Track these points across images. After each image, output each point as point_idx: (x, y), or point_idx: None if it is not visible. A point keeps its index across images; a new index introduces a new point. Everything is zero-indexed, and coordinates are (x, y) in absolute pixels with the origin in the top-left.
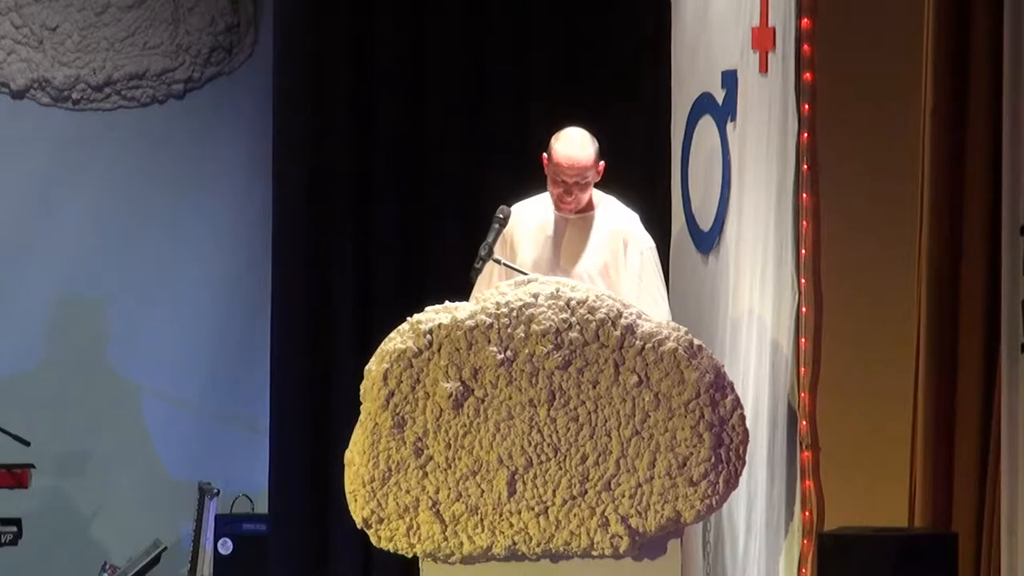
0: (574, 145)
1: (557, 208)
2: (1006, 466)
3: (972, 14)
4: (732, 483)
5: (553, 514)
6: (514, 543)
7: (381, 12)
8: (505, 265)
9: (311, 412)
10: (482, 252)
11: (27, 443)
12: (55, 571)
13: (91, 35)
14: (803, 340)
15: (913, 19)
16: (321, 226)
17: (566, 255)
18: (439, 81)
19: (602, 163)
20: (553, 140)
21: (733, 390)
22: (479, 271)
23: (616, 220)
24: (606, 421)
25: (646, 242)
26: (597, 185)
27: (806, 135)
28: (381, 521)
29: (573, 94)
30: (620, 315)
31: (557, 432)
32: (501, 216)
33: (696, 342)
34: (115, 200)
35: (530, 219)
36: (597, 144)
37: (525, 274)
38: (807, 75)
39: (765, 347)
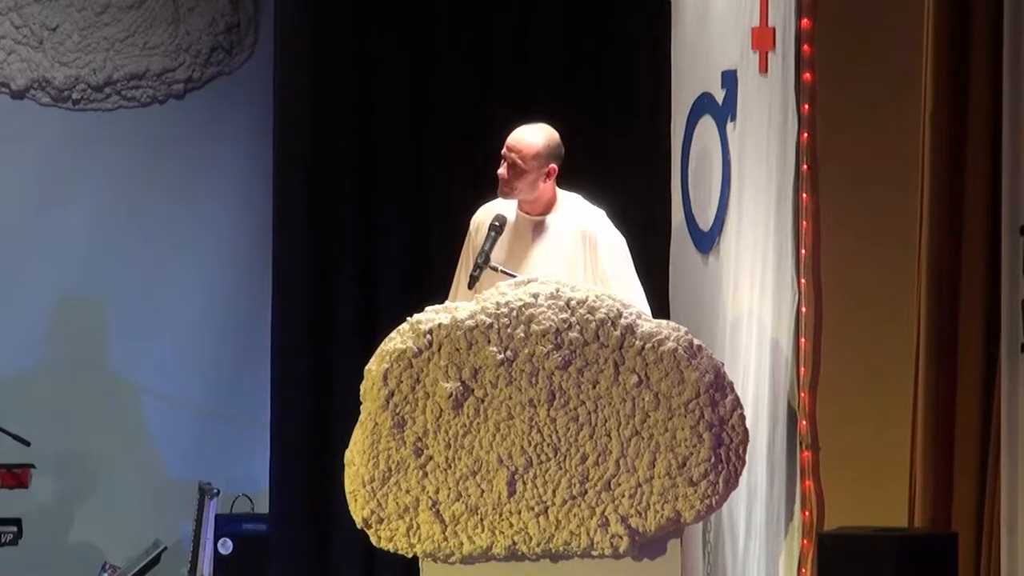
0: (526, 128)
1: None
2: (1006, 466)
3: (972, 14)
4: (732, 483)
5: (553, 514)
6: (514, 543)
7: (382, 13)
8: (502, 271)
9: (311, 412)
10: (479, 259)
11: (27, 443)
12: (55, 571)
13: (91, 35)
14: (803, 340)
15: (913, 19)
16: (322, 225)
17: (527, 257)
18: (441, 82)
19: (553, 165)
20: None
21: (733, 390)
22: (477, 278)
23: (580, 220)
24: (606, 421)
25: (616, 239)
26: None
27: (806, 135)
28: (381, 521)
29: (573, 95)
30: (620, 315)
31: (557, 432)
32: (497, 223)
33: (696, 342)
34: (115, 200)
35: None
36: (556, 145)
37: (514, 276)
38: (807, 75)
39: (765, 347)
